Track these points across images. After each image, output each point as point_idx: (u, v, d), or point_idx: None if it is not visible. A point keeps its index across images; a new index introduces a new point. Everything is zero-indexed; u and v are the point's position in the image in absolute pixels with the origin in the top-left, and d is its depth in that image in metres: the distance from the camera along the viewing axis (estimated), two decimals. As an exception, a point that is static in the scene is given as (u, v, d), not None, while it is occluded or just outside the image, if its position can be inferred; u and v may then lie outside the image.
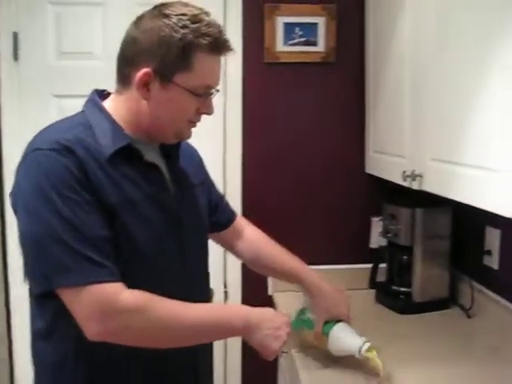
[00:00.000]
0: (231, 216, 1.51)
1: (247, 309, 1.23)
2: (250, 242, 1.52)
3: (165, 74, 1.10)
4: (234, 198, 2.07)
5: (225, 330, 1.20)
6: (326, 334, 1.43)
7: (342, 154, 2.11)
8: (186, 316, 1.10)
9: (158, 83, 1.11)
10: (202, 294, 1.29)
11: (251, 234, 1.54)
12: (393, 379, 1.39)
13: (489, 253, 1.78)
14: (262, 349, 1.21)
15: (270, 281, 2.09)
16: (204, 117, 1.19)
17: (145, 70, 1.09)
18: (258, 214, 2.08)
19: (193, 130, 1.21)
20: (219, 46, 1.12)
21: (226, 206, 1.52)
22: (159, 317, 1.07)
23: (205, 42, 1.09)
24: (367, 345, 1.37)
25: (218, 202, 1.47)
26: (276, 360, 2.04)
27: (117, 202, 1.07)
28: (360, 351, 1.36)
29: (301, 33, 2.05)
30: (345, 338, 1.41)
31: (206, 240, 1.37)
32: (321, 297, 1.47)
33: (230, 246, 1.54)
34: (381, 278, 2.00)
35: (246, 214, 2.07)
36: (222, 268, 2.11)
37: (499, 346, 1.60)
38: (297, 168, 2.11)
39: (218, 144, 2.09)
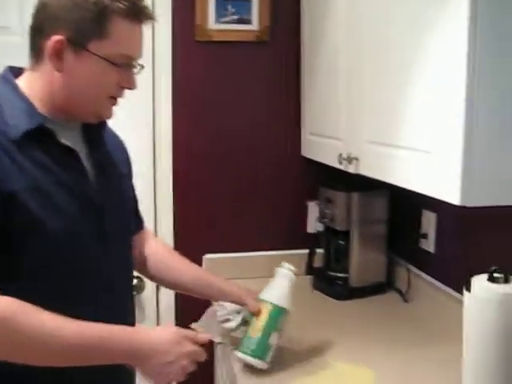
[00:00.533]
0: (142, 223, 1.39)
1: (138, 337, 1.04)
2: (153, 254, 1.36)
3: (79, 41, 1.00)
4: (165, 186, 1.97)
5: (102, 359, 1.01)
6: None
7: (277, 137, 2.04)
8: (57, 335, 0.95)
9: (71, 52, 1.01)
10: (125, 282, 1.22)
11: (155, 245, 1.40)
12: (330, 365, 1.35)
13: (425, 236, 1.76)
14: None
15: (204, 268, 2.01)
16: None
17: (57, 37, 0.99)
18: (191, 201, 2.00)
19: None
20: (137, 11, 1.03)
21: (138, 211, 1.38)
22: (21, 332, 0.93)
23: (121, 6, 1.00)
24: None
25: (134, 205, 1.34)
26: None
27: (21, 189, 0.96)
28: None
29: (233, 10, 1.96)
30: None
31: (132, 230, 1.28)
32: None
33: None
34: (318, 263, 1.96)
35: (178, 201, 1.98)
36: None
37: (436, 328, 1.58)
38: (230, 152, 2.02)
39: (147, 128, 1.97)
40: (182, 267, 1.38)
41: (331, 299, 1.84)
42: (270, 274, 2.07)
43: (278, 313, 1.32)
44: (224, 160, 2.02)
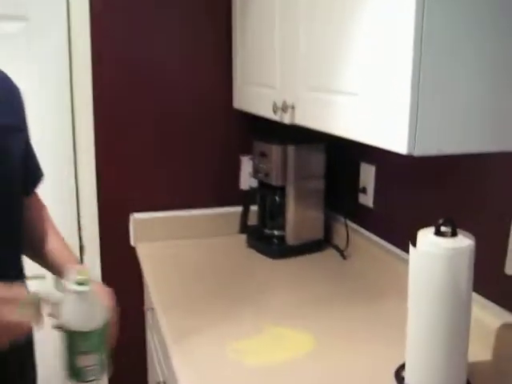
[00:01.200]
0: (38, 180, 1.20)
1: None
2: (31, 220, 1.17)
3: None
4: (86, 138, 1.79)
5: None
6: None
7: (208, 88, 1.89)
8: None
9: None
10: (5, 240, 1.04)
11: (37, 212, 1.21)
12: (266, 329, 1.26)
13: (364, 190, 1.69)
14: None
15: (132, 230, 1.87)
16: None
17: None
18: (115, 156, 1.84)
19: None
20: None
21: (35, 168, 1.19)
22: None
23: None
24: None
25: (29, 163, 1.15)
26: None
27: None
28: None
29: None
30: None
31: (17, 191, 1.08)
32: None
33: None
34: (252, 221, 1.86)
35: (100, 156, 1.82)
36: (76, 219, 1.84)
37: (377, 286, 1.53)
38: (158, 104, 1.86)
39: (63, 72, 1.76)
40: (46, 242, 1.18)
41: (267, 258, 1.75)
42: (203, 234, 1.97)
43: (71, 337, 0.99)
44: (150, 112, 1.85)
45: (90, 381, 1.03)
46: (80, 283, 0.95)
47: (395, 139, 0.93)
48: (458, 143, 0.94)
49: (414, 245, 1.01)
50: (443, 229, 1.00)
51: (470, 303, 1.01)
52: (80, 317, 0.99)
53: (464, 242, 0.99)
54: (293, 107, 1.34)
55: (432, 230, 1.02)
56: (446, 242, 0.98)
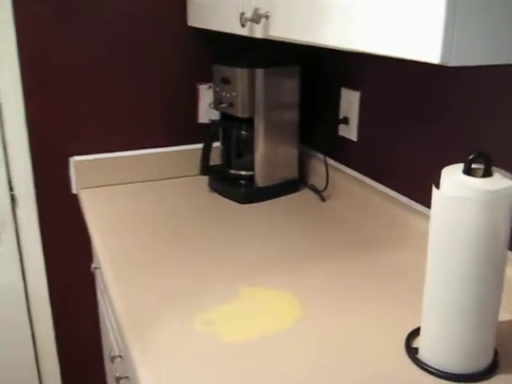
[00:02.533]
0: None
1: None
2: None
3: None
4: (11, 72, 1.47)
5: None
6: None
7: (154, 2, 1.57)
8: None
9: None
10: None
11: None
12: (242, 290, 1.04)
13: (345, 121, 1.44)
14: None
15: (74, 175, 1.58)
16: None
17: None
18: (48, 92, 1.52)
19: None
20: None
21: None
22: None
23: None
24: None
25: None
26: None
27: None
28: None
29: None
30: None
31: None
32: None
33: None
34: (215, 160, 1.59)
35: (32, 94, 1.50)
36: (4, 164, 1.54)
37: (363, 231, 1.31)
38: (96, 27, 1.52)
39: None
40: None
41: (233, 203, 1.51)
42: (157, 177, 1.70)
43: None
44: (86, 38, 1.51)
45: None
46: None
47: (424, 44, 0.67)
48: (505, 52, 0.69)
49: (438, 186, 0.79)
50: (475, 166, 0.78)
51: (505, 260, 0.80)
52: None
53: (502, 183, 0.76)
54: (267, 16, 1.06)
55: (460, 167, 0.79)
56: (480, 183, 0.75)
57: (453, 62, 0.66)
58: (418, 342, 0.89)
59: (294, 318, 0.97)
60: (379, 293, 1.06)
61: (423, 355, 0.86)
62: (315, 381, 0.82)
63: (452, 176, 0.77)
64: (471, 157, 0.77)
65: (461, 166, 0.78)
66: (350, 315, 0.98)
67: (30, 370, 1.76)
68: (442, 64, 0.66)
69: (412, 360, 0.87)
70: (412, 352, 0.88)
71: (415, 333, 0.92)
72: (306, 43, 0.93)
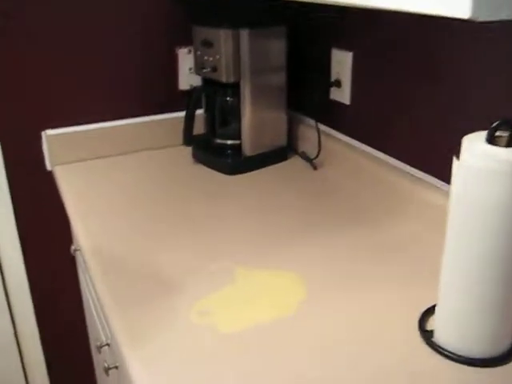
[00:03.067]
0: None
1: None
2: None
3: None
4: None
5: None
6: None
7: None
8: None
9: None
10: None
11: None
12: (241, 271, 0.96)
13: (337, 84, 1.35)
14: None
15: (47, 151, 1.47)
16: None
17: None
18: (25, 60, 1.40)
19: None
20: None
21: None
22: None
23: None
24: None
25: None
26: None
27: None
28: None
29: None
30: None
31: None
32: None
33: None
34: (199, 129, 1.50)
35: (2, 62, 1.38)
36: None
37: (360, 201, 1.24)
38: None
39: None
40: None
41: (220, 174, 1.42)
42: (137, 149, 1.60)
43: None
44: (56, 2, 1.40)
45: None
46: None
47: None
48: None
49: (458, 156, 0.71)
50: (499, 134, 0.70)
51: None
52: None
53: (529, 151, 0.68)
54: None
55: (482, 135, 0.71)
56: (505, 153, 0.68)
57: (482, 17, 0.58)
58: (432, 324, 0.83)
59: (298, 302, 0.90)
60: (386, 268, 0.99)
61: (439, 339, 0.80)
62: (325, 370, 0.75)
63: (474, 145, 0.70)
64: (494, 124, 0.69)
65: (483, 134, 0.71)
66: (357, 294, 0.91)
67: (13, 362, 1.68)
68: (472, 19, 0.57)
69: (427, 343, 0.80)
70: (427, 335, 0.81)
71: (428, 313, 0.86)
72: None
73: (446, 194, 1.08)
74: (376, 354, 0.78)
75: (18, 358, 1.68)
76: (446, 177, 1.09)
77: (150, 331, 0.83)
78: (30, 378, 1.73)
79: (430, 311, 0.86)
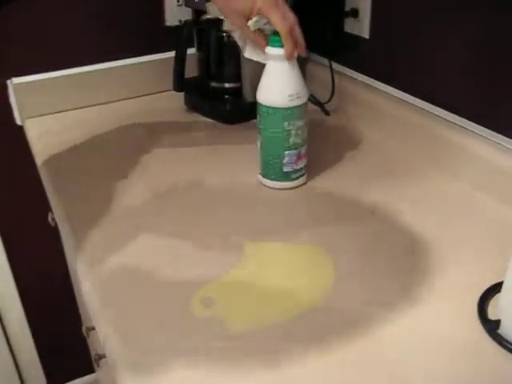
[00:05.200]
0: None
1: None
2: None
3: None
4: None
5: None
6: None
7: None
8: None
9: None
10: None
11: None
12: (251, 247, 0.79)
13: (354, 13, 1.14)
14: None
15: (15, 101, 1.27)
16: None
17: None
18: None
19: None
20: None
21: None
22: None
23: None
24: None
25: None
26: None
27: None
28: None
29: None
30: None
31: None
32: None
33: None
34: (191, 72, 1.29)
35: None
36: None
37: (386, 151, 1.06)
38: None
39: None
40: None
41: (217, 123, 1.23)
42: (120, 96, 1.40)
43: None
44: None
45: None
46: None
47: None
48: None
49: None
50: None
51: None
52: None
53: None
54: None
55: None
56: None
57: None
58: (495, 311, 0.66)
59: (328, 288, 0.73)
60: (430, 236, 0.82)
61: (507, 330, 0.64)
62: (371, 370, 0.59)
63: None
64: None
65: None
66: (398, 271, 0.75)
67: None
68: None
69: (490, 336, 0.64)
70: (490, 325, 0.65)
71: (489, 295, 0.69)
72: None
73: (497, 146, 0.90)
74: (427, 351, 0.62)
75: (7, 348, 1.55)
76: (496, 126, 0.90)
77: (144, 329, 0.66)
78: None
79: (491, 293, 0.70)
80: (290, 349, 0.62)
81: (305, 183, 0.97)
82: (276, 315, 0.67)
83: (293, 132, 0.90)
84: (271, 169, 0.94)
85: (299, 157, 0.93)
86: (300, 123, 0.91)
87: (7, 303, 1.49)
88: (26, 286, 1.50)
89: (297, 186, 0.96)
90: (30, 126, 1.25)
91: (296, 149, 0.92)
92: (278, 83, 0.90)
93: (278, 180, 0.95)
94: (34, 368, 1.63)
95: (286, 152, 0.92)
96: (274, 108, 0.89)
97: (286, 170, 0.93)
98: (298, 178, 0.95)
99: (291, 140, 0.91)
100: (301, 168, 0.95)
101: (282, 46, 0.87)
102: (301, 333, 0.65)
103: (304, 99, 0.90)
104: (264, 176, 0.96)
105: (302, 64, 1.29)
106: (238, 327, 0.66)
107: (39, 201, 1.28)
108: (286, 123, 0.90)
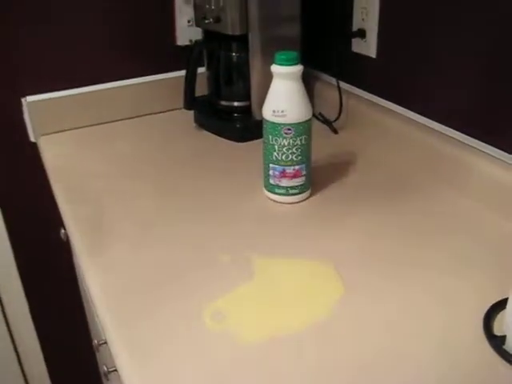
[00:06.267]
0: None
1: None
2: None
3: None
4: None
5: None
6: None
7: None
8: None
9: None
10: None
11: None
12: (261, 262, 0.80)
13: (361, 34, 1.17)
14: None
15: (28, 119, 1.30)
16: None
17: None
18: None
19: None
20: None
21: None
22: None
23: None
24: None
25: None
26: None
27: None
28: None
29: None
30: None
31: None
32: None
33: None
34: (201, 90, 1.32)
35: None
36: None
37: (387, 166, 1.07)
38: None
39: None
40: None
41: (227, 142, 1.25)
42: (131, 114, 1.42)
43: None
44: None
45: None
46: None
47: None
48: None
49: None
50: None
51: None
52: None
53: None
54: None
55: None
56: None
57: None
58: (501, 327, 0.67)
59: (336, 300, 0.74)
60: (435, 254, 0.83)
61: (513, 346, 0.65)
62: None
63: None
64: None
65: None
66: (406, 287, 0.76)
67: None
68: None
69: (497, 352, 0.65)
70: (496, 341, 0.66)
71: (495, 311, 0.70)
72: None
73: (499, 162, 0.91)
74: (432, 368, 0.63)
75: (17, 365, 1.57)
76: (501, 144, 0.92)
77: (155, 343, 0.67)
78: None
79: (497, 309, 0.70)
80: (301, 362, 0.64)
81: (305, 199, 0.98)
82: (287, 328, 0.69)
83: (275, 147, 0.92)
84: (266, 179, 0.98)
85: (284, 175, 0.94)
86: (283, 141, 0.92)
87: (18, 317, 1.51)
88: (36, 299, 1.51)
89: (296, 202, 0.97)
90: (43, 143, 1.27)
91: (279, 165, 0.94)
92: (268, 96, 0.94)
93: (271, 192, 0.98)
94: (42, 382, 1.64)
95: (271, 165, 0.95)
96: (264, 119, 0.94)
97: (271, 182, 0.97)
98: (295, 194, 0.97)
99: (274, 155, 0.93)
100: (294, 186, 0.96)
101: (285, 64, 0.89)
102: (311, 345, 0.66)
103: (290, 119, 0.91)
104: (264, 187, 0.99)
105: (311, 83, 1.32)
106: (249, 340, 0.67)
107: (51, 216, 1.30)
108: (270, 136, 0.93)
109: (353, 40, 1.19)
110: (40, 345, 1.57)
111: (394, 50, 1.10)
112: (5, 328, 1.50)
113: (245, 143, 1.23)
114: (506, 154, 0.91)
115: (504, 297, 0.70)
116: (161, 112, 1.40)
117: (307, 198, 0.99)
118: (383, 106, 1.16)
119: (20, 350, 1.56)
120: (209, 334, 0.68)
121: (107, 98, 1.34)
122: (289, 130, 0.91)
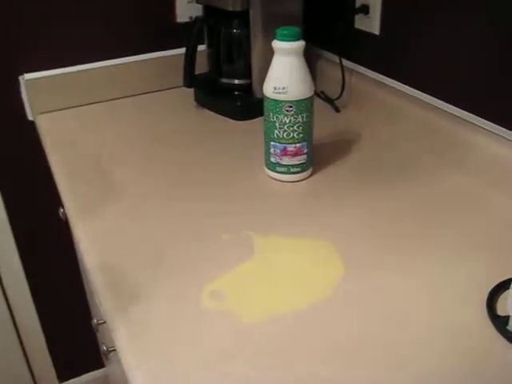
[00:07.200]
0: None
1: None
2: None
3: None
4: None
5: None
6: None
7: None
8: None
9: None
10: None
11: None
12: (261, 241, 0.79)
13: (364, 10, 1.14)
14: None
15: (26, 97, 1.28)
16: None
17: None
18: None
19: None
20: None
21: None
22: None
23: None
24: None
25: None
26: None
27: None
28: None
29: None
30: None
31: None
32: None
33: None
34: (201, 68, 1.30)
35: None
36: None
37: (390, 146, 1.06)
38: None
39: None
40: None
41: (227, 119, 1.23)
42: (131, 92, 1.41)
43: None
44: None
45: None
46: None
47: None
48: None
49: None
50: None
51: None
52: None
53: None
54: None
55: None
56: None
57: None
58: (504, 307, 0.66)
59: (336, 278, 0.73)
60: (437, 233, 0.82)
61: (517, 326, 0.64)
62: (374, 369, 0.59)
63: None
64: None
65: None
66: (405, 267, 0.75)
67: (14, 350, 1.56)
68: None
69: (500, 332, 0.64)
70: (499, 322, 0.65)
71: (498, 292, 0.69)
72: None
73: (503, 141, 0.90)
74: (435, 349, 0.62)
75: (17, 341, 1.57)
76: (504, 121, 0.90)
77: (154, 322, 0.66)
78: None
79: (501, 289, 0.69)
80: (302, 341, 0.63)
81: (306, 178, 0.97)
82: (287, 307, 0.68)
83: (276, 125, 0.91)
84: (267, 157, 0.97)
85: (285, 153, 0.93)
86: (284, 119, 0.91)
87: (18, 299, 1.51)
88: (36, 281, 1.51)
89: (297, 181, 0.96)
90: (41, 121, 1.26)
91: (280, 143, 0.92)
92: (269, 73, 0.92)
93: (272, 170, 0.97)
94: (44, 362, 1.65)
95: (272, 143, 0.93)
96: (265, 96, 0.92)
97: (272, 160, 0.95)
98: (296, 172, 0.95)
99: (275, 132, 0.92)
100: (295, 164, 0.94)
101: (286, 40, 0.88)
102: (312, 323, 0.65)
103: (291, 96, 0.89)
104: (265, 165, 0.97)
105: (312, 61, 1.30)
106: (249, 319, 0.66)
107: (50, 195, 1.28)
108: (271, 114, 0.91)
109: (356, 17, 1.17)
110: (40, 323, 1.57)
111: (399, 26, 1.08)
112: (5, 307, 1.50)
113: (246, 121, 1.22)
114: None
115: (508, 277, 0.69)
116: (161, 90, 1.39)
117: (309, 177, 0.98)
118: (386, 84, 1.14)
119: (21, 331, 1.57)
120: (208, 313, 0.68)
121: (106, 76, 1.32)
122: (290, 107, 0.90)
